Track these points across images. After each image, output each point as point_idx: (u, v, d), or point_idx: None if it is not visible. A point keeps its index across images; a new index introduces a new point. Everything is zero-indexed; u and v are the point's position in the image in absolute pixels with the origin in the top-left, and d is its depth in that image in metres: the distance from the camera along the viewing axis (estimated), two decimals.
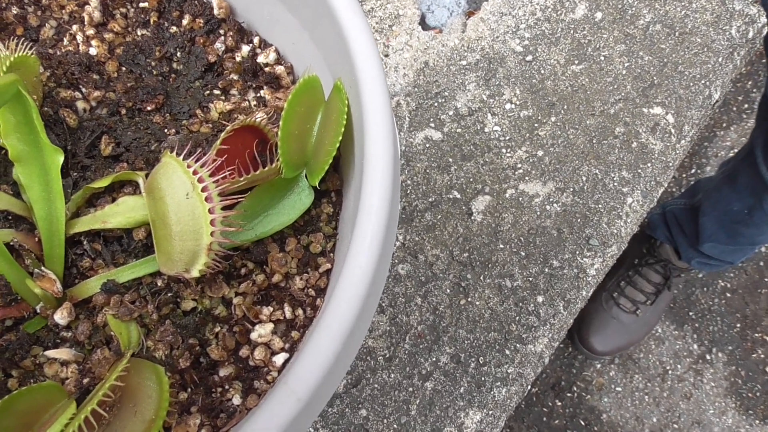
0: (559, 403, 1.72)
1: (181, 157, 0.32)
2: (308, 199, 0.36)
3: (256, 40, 0.42)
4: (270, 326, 0.35)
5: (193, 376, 0.33)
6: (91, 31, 0.40)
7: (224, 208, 0.31)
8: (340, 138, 0.33)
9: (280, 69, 0.41)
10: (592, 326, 1.57)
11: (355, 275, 0.27)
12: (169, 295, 0.34)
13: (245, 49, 0.41)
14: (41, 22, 0.40)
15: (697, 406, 1.70)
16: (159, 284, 0.34)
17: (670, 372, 1.73)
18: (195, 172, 0.31)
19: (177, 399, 0.32)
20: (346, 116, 0.33)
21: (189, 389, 0.33)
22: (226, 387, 0.34)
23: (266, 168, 0.33)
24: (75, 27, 0.40)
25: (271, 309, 0.35)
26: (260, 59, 0.41)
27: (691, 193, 1.31)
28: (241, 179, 0.33)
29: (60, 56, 0.38)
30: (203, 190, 0.30)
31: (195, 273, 0.31)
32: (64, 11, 0.41)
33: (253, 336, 0.35)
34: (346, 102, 0.33)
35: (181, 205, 0.31)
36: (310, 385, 0.25)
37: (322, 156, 0.34)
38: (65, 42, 0.40)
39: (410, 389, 0.55)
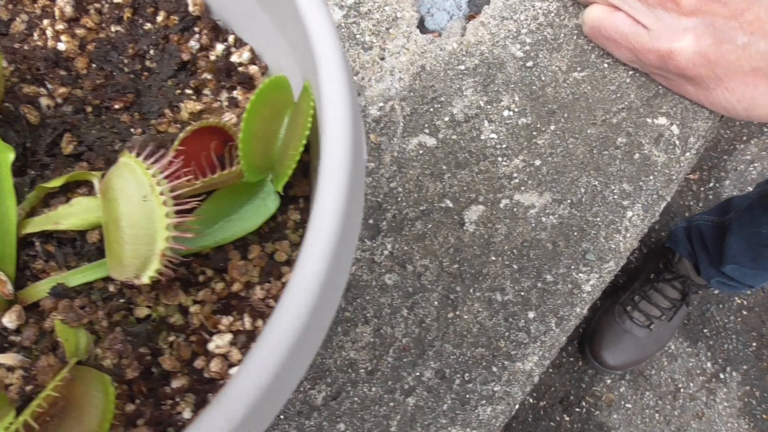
0: (567, 418, 1.68)
1: (141, 157, 0.30)
2: (273, 205, 0.35)
3: (231, 38, 0.40)
4: (229, 337, 0.33)
5: (142, 387, 0.32)
6: (61, 26, 0.39)
7: (180, 212, 0.30)
8: (304, 142, 0.31)
9: (254, 69, 0.39)
10: (605, 339, 1.54)
11: (300, 286, 0.25)
12: (121, 301, 0.32)
13: (219, 47, 0.40)
14: (12, 15, 0.39)
15: (709, 426, 1.65)
16: (111, 289, 0.33)
17: (682, 390, 1.68)
18: (154, 174, 0.29)
19: (123, 411, 0.31)
20: (311, 119, 0.31)
21: (138, 400, 0.32)
22: (177, 399, 0.32)
23: (225, 171, 0.32)
24: (45, 21, 0.39)
25: (231, 319, 0.34)
26: (234, 58, 0.40)
27: (722, 210, 1.26)
28: (198, 182, 0.31)
29: (26, 51, 0.37)
30: (161, 193, 0.29)
31: (145, 279, 0.30)
32: (36, 5, 0.40)
33: (210, 347, 0.33)
34: (312, 104, 0.32)
35: (137, 207, 0.30)
36: (243, 404, 0.23)
37: (287, 160, 0.33)
38: (35, 37, 0.39)
39: (392, 404, 0.53)
